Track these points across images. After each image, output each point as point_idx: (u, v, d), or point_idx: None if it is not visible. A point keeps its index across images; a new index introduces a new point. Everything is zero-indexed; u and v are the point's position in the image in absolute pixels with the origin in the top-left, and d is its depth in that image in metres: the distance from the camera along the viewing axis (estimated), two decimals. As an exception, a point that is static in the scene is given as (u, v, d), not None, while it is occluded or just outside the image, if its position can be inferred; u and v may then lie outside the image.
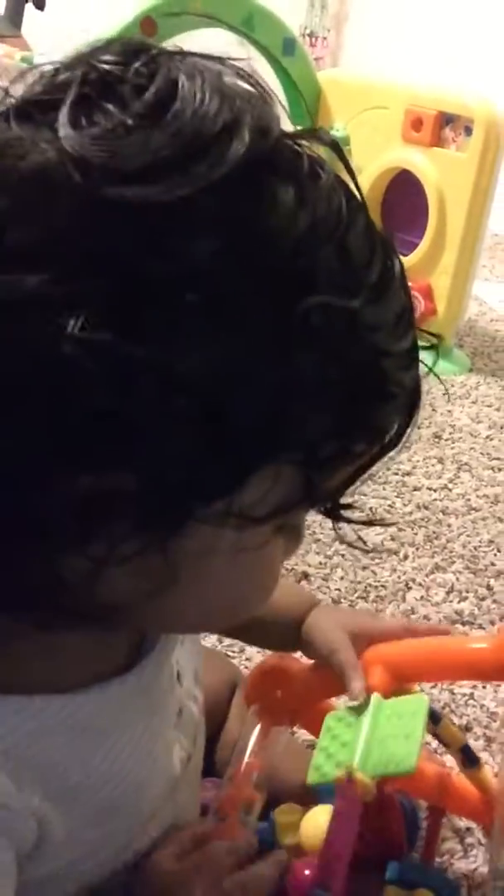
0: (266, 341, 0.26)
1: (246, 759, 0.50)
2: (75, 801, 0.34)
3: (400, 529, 1.06)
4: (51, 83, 0.26)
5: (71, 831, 0.34)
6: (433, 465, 1.21)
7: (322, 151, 0.30)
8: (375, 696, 0.48)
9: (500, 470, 1.22)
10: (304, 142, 0.29)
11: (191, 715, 0.43)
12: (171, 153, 0.24)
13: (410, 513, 1.09)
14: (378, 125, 1.51)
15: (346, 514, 0.34)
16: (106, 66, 0.25)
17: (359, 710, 0.48)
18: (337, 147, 0.30)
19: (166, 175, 0.24)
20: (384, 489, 1.13)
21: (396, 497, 1.12)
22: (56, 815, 0.33)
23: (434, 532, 1.06)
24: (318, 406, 0.28)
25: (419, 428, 1.31)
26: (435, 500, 1.13)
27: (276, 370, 0.26)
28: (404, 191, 1.51)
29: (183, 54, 0.27)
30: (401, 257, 0.31)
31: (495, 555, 1.03)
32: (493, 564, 1.01)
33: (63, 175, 0.23)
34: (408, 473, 1.18)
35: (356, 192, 0.30)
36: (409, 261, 1.51)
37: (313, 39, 3.57)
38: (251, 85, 0.27)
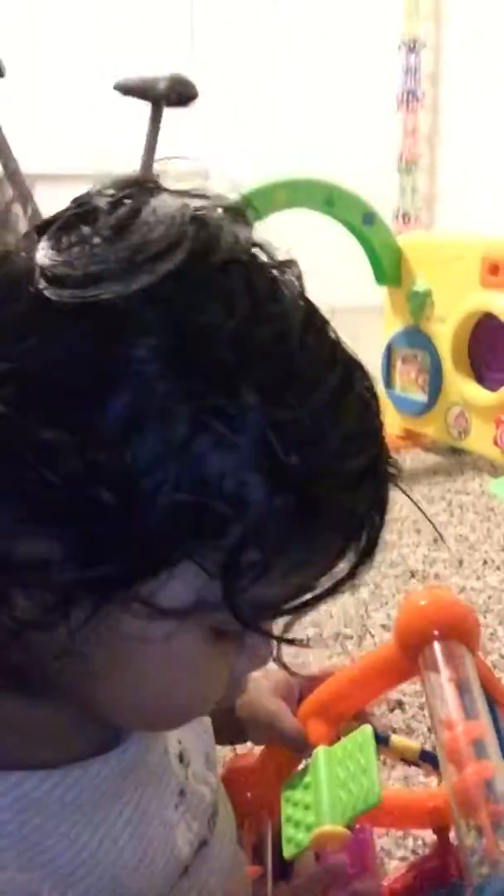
0: (184, 440, 0.27)
1: None
2: (69, 883, 0.33)
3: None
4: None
5: None
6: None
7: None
8: (320, 749, 0.47)
9: None
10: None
11: (201, 798, 0.42)
12: (114, 266, 0.28)
13: None
14: (456, 276, 1.61)
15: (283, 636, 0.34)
16: (95, 198, 0.31)
17: (311, 770, 0.47)
18: (299, 277, 0.32)
19: (106, 283, 0.28)
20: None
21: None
22: None
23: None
24: (232, 513, 0.28)
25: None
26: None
27: (192, 471, 0.27)
28: (488, 333, 1.57)
29: (161, 189, 0.31)
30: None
31: None
32: None
33: (27, 280, 0.28)
34: None
35: (323, 318, 0.31)
36: (499, 396, 1.54)
37: (406, 219, 3.86)
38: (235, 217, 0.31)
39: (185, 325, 0.28)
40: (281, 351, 0.29)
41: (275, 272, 0.32)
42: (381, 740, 0.52)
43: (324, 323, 0.32)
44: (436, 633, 0.46)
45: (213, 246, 0.29)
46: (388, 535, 1.36)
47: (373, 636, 1.04)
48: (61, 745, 0.35)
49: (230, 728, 0.52)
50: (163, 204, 0.30)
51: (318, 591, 0.33)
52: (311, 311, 0.32)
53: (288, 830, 0.47)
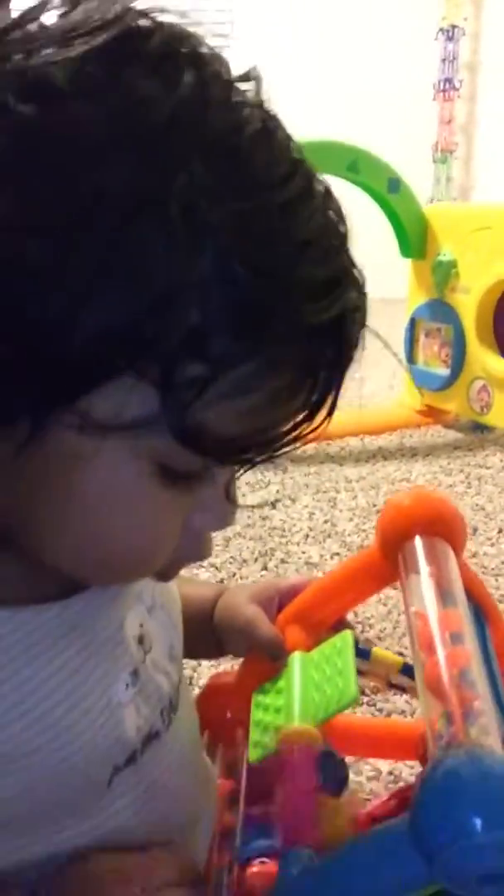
0: (117, 227, 0.25)
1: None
2: None
3: None
4: None
5: None
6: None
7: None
8: (297, 654, 0.45)
9: None
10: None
11: (157, 686, 0.39)
12: (48, 41, 0.27)
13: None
14: (483, 245, 1.56)
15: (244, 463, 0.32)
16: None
17: (284, 674, 0.45)
18: (258, 82, 0.30)
19: (38, 55, 0.26)
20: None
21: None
22: None
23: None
24: (172, 315, 0.26)
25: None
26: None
27: (127, 263, 0.25)
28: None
29: None
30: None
31: None
32: None
33: None
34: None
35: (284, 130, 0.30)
36: (523, 368, 1.50)
37: (440, 208, 3.80)
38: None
39: (122, 96, 0.26)
40: (233, 143, 0.27)
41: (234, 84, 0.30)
42: (363, 653, 0.50)
43: (287, 137, 0.30)
44: (417, 531, 0.44)
45: (156, 32, 0.28)
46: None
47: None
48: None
49: (207, 637, 0.50)
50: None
51: (272, 434, 0.31)
52: (270, 119, 0.29)
53: (255, 734, 0.45)
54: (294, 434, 0.31)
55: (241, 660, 0.52)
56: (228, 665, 0.77)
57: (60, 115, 0.26)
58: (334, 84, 3.48)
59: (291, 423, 0.31)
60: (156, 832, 0.39)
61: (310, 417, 0.31)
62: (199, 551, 0.35)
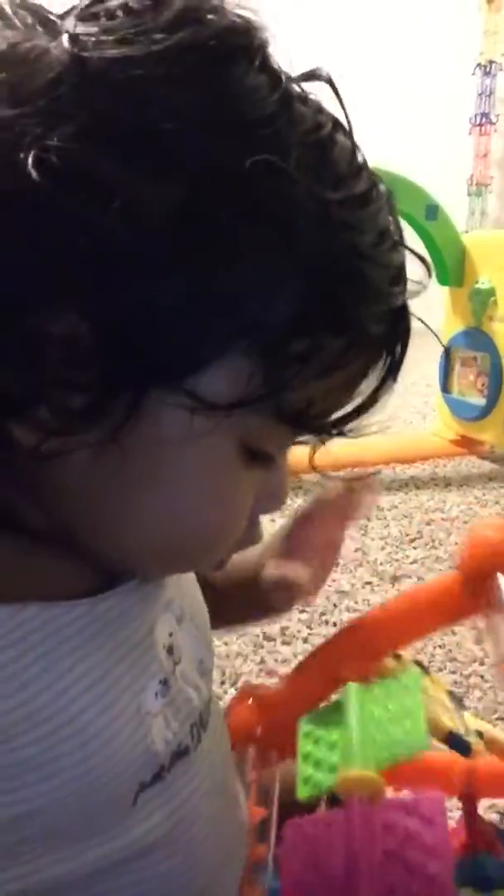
0: (225, 211, 0.26)
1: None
2: (8, 727, 0.29)
3: None
4: None
5: (8, 768, 0.29)
6: None
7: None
8: (354, 686, 0.42)
9: None
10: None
11: (186, 699, 0.37)
12: (151, 27, 0.26)
13: None
14: (523, 274, 1.54)
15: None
16: None
17: (336, 708, 0.41)
18: (332, 84, 0.31)
19: (142, 42, 0.26)
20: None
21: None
22: None
23: None
24: (283, 290, 0.27)
25: None
26: None
27: (237, 245, 0.26)
28: None
29: None
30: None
31: None
32: None
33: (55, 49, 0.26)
34: None
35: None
36: None
37: (472, 240, 3.80)
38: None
39: (229, 87, 0.27)
40: (320, 137, 0.29)
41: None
42: (460, 747, 0.46)
43: (355, 144, 0.31)
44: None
45: (251, 28, 0.28)
46: (437, 532, 1.29)
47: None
48: (25, 580, 0.31)
49: (248, 579, 0.49)
50: None
51: (344, 412, 0.32)
52: (338, 122, 0.30)
53: (306, 769, 0.41)
54: (366, 406, 0.32)
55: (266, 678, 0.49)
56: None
57: (163, 105, 0.26)
58: (370, 117, 3.51)
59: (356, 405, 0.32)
60: (184, 862, 0.36)
61: (372, 400, 0.32)
62: (253, 536, 0.35)
